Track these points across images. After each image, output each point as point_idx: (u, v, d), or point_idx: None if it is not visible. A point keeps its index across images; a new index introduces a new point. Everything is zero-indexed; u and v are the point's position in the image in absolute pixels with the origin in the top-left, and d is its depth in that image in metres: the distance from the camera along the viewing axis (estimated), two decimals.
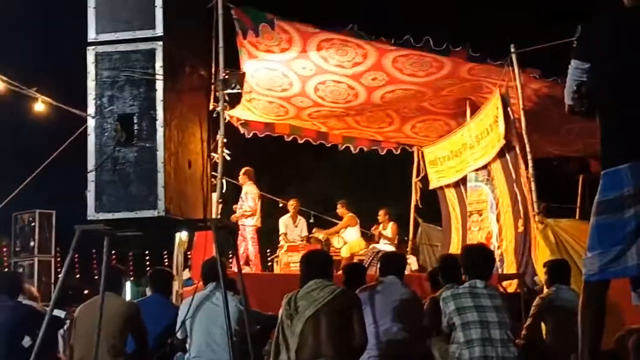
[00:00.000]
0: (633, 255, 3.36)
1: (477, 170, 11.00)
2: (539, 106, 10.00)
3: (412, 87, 10.20)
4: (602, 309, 3.57)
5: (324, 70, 9.89)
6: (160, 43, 4.64)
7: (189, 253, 11.75)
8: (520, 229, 9.43)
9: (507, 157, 9.87)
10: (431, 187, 13.05)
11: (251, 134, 12.01)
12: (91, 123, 4.75)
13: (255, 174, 11.70)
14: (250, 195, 11.24)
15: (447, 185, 12.57)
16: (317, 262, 5.57)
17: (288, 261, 10.87)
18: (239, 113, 11.28)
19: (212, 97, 8.38)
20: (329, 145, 13.03)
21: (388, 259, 6.69)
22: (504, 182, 10.12)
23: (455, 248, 11.68)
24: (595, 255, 3.45)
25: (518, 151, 9.31)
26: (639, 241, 3.36)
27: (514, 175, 9.66)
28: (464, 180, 11.79)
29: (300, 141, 12.72)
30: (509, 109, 9.47)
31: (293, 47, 9.30)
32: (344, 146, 13.10)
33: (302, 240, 11.74)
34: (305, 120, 11.88)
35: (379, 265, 6.59)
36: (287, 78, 10.19)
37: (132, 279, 22.37)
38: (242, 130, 11.67)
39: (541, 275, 7.43)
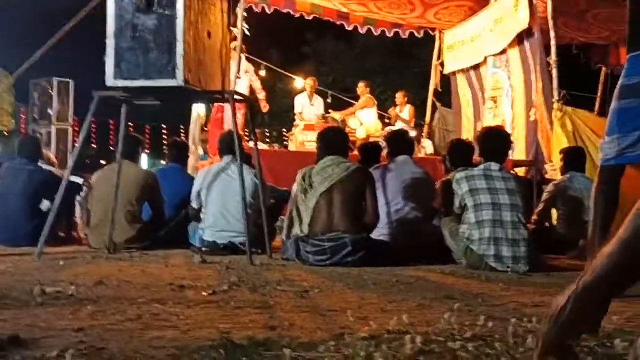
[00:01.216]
0: None
1: (495, 55, 10.79)
2: None
3: None
4: (616, 195, 3.57)
5: None
6: None
7: (206, 128, 11.78)
8: (532, 117, 9.34)
9: (527, 43, 9.64)
10: (445, 72, 12.84)
11: (272, 10, 11.70)
12: None
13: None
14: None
15: (460, 71, 12.39)
16: (334, 139, 5.57)
17: (303, 140, 10.87)
18: None
19: None
20: (351, 27, 12.65)
21: (396, 139, 6.49)
22: (521, 69, 9.93)
23: (466, 134, 11.68)
24: (614, 139, 3.42)
25: (538, 37, 9.06)
26: None
27: (531, 63, 9.47)
28: (476, 66, 11.63)
29: (323, 19, 12.31)
30: None
31: None
32: (365, 28, 12.76)
33: (318, 120, 11.70)
34: (327, 0, 11.52)
35: (387, 146, 6.43)
36: None
37: (148, 152, 22.56)
38: (261, 4, 11.32)
39: (557, 163, 7.43)
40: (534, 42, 9.30)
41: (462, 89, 12.36)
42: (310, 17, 12.06)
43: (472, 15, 11.60)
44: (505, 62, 10.57)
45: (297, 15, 11.84)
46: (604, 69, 12.61)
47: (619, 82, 3.45)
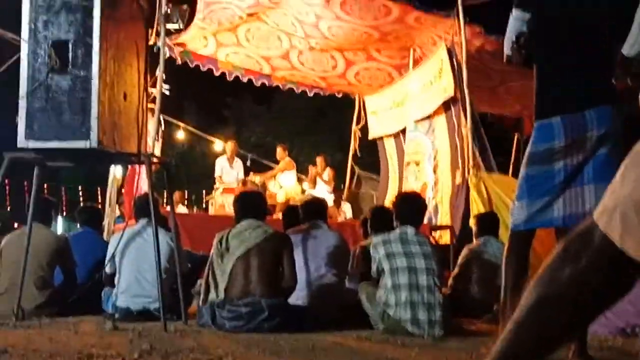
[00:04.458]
0: (560, 207, 3.43)
1: (418, 121, 11.00)
2: (480, 64, 10.04)
3: (359, 27, 10.01)
4: (526, 258, 3.64)
5: None
6: None
7: (123, 190, 11.59)
8: (459, 180, 9.50)
9: (452, 109, 9.86)
10: (370, 137, 13.03)
11: (194, 65, 11.60)
12: (24, 48, 4.62)
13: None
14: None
15: (388, 136, 12.59)
16: (251, 202, 5.55)
17: (223, 203, 10.82)
18: (188, 39, 10.87)
19: (153, 30, 8.23)
20: (272, 85, 12.66)
21: (309, 205, 6.45)
22: (446, 133, 10.13)
23: (391, 198, 11.78)
24: (523, 204, 3.51)
25: (460, 104, 9.31)
26: (566, 193, 3.43)
27: (456, 127, 9.69)
28: (403, 131, 11.83)
29: (244, 80, 12.34)
30: (454, 60, 9.43)
31: None
32: (286, 87, 12.83)
33: (238, 183, 11.68)
34: (249, 57, 11.48)
35: (302, 212, 6.38)
36: None
37: (65, 214, 22.03)
38: (182, 59, 11.20)
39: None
40: (457, 108, 9.54)
41: (390, 154, 12.55)
42: (231, 78, 12.06)
43: (390, 81, 11.86)
44: (427, 127, 10.77)
45: (218, 74, 11.83)
46: (516, 135, 13.01)
47: (527, 150, 3.56)
